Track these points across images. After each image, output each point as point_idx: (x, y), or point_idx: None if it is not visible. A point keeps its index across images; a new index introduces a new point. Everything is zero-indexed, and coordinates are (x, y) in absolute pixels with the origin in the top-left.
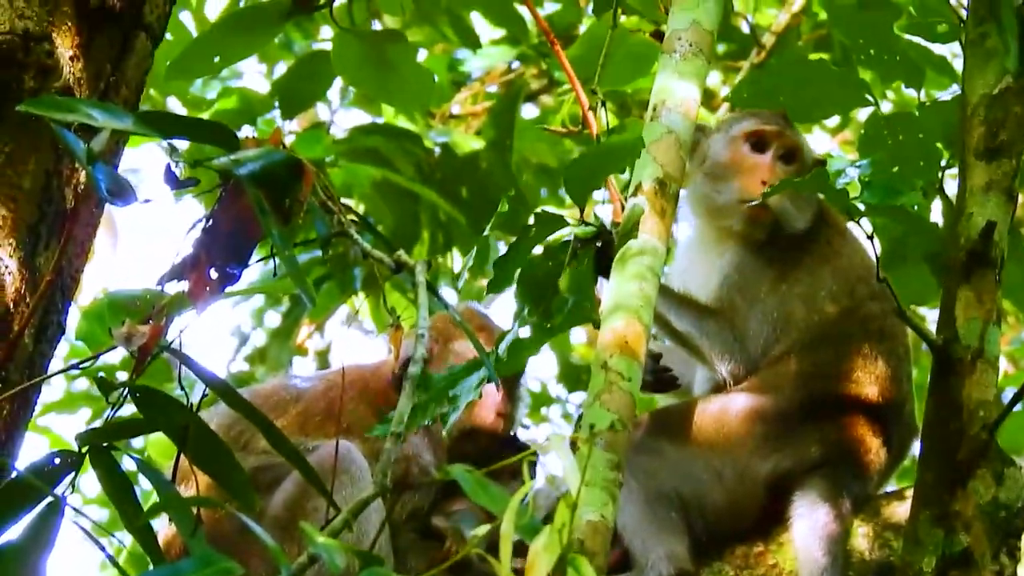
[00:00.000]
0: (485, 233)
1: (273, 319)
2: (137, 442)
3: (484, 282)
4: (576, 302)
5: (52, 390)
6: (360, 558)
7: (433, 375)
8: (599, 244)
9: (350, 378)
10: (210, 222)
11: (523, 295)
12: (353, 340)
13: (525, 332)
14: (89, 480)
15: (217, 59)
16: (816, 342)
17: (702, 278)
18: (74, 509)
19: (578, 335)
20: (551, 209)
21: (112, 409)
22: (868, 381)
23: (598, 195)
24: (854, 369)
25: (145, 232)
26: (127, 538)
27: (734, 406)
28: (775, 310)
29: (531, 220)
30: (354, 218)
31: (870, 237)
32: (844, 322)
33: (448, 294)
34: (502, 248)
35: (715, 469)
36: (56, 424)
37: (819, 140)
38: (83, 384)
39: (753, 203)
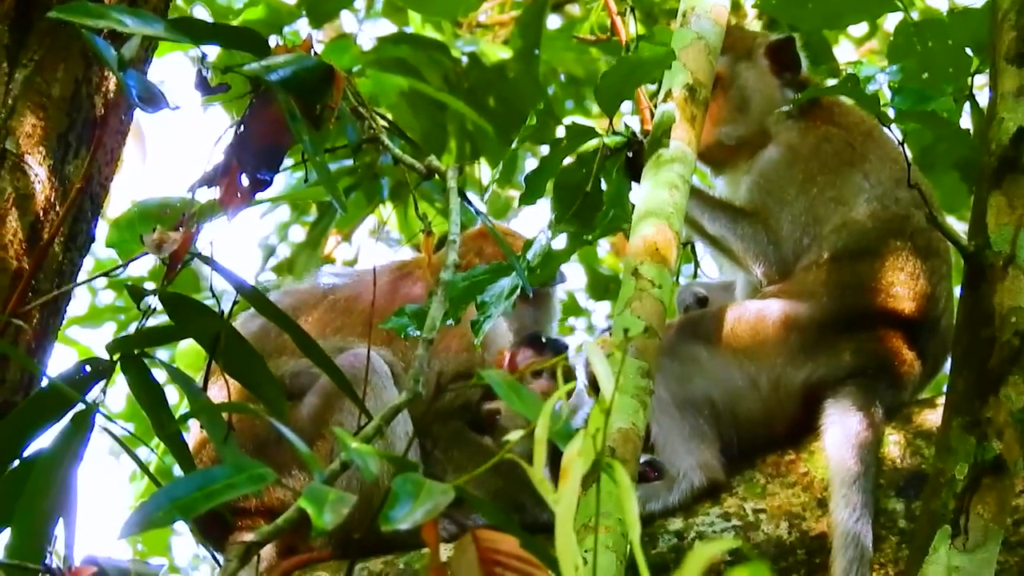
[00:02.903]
0: (513, 147)
1: (298, 233)
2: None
3: (512, 193)
4: (613, 213)
5: (76, 303)
6: (394, 463)
7: (454, 278)
8: (629, 154)
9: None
10: (241, 128)
11: (557, 202)
12: (380, 250)
13: (560, 242)
14: (113, 396)
15: None
16: (858, 251)
17: (733, 189)
18: (105, 416)
19: (604, 246)
20: (579, 119)
21: (142, 318)
22: (907, 297)
23: (625, 105)
24: (894, 284)
25: (172, 144)
26: (154, 452)
27: (770, 314)
28: (804, 213)
29: (561, 132)
30: (385, 124)
31: (901, 143)
32: (891, 233)
33: (475, 203)
34: (528, 159)
35: (750, 377)
36: (80, 338)
37: (845, 50)
38: (108, 297)
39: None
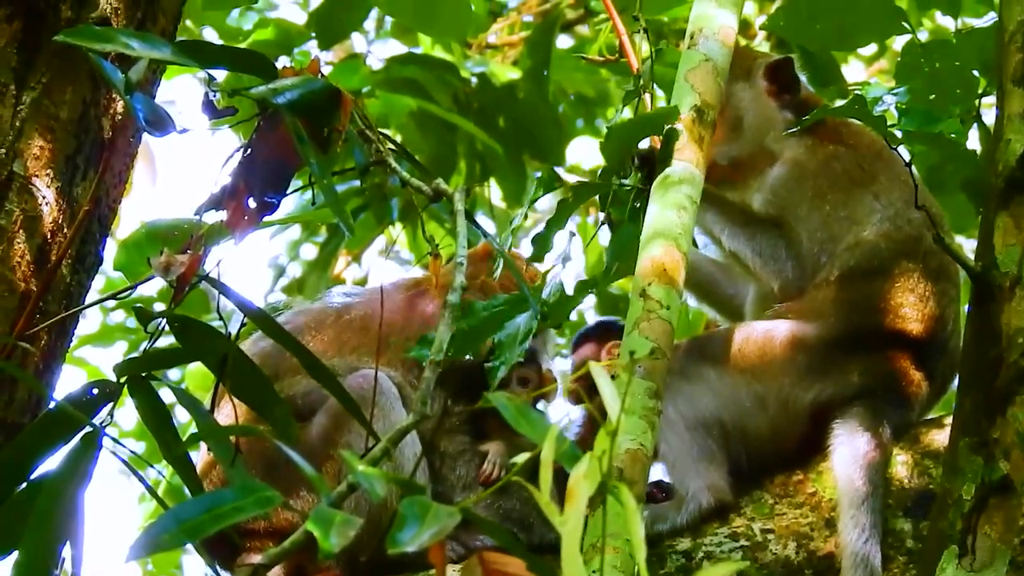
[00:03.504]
0: (522, 211)
1: (309, 252)
2: (173, 380)
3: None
4: (617, 266)
5: (87, 323)
6: (401, 485)
7: (475, 302)
8: (637, 204)
9: (407, 299)
10: (248, 151)
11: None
12: (390, 271)
13: (569, 287)
14: (123, 415)
15: None
16: (869, 271)
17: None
18: (112, 439)
19: None
20: (588, 139)
21: (150, 340)
22: (916, 319)
23: None
24: (904, 305)
25: (182, 165)
26: (163, 473)
27: (778, 334)
28: (819, 229)
29: (566, 168)
30: (392, 147)
31: (908, 164)
32: (903, 254)
33: (485, 224)
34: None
35: (759, 396)
36: (91, 357)
37: (854, 70)
38: (119, 316)
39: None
